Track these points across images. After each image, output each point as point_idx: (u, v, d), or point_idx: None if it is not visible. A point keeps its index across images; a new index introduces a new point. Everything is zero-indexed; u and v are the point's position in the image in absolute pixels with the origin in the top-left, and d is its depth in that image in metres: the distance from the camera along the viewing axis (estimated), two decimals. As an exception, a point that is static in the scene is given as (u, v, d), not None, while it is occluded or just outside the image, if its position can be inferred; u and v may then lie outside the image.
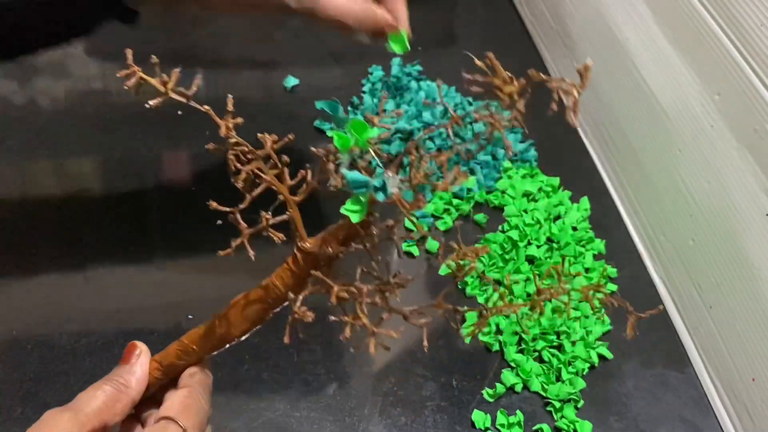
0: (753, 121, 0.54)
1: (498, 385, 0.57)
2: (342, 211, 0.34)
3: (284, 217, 0.37)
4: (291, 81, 0.79)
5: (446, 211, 0.70)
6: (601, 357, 0.60)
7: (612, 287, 0.65)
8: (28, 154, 0.70)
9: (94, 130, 0.73)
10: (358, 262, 0.35)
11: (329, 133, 0.33)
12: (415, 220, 0.35)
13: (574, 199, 0.72)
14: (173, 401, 0.38)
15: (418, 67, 0.82)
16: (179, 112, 0.71)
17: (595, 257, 0.67)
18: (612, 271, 0.66)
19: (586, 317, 0.62)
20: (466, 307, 0.38)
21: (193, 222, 0.63)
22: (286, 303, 0.37)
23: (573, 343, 0.60)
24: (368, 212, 0.35)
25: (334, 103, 0.34)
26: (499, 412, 0.56)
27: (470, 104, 0.79)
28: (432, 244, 0.66)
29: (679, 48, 0.62)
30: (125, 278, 0.61)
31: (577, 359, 0.59)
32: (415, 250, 0.66)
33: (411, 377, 0.57)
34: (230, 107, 0.35)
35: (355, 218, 0.34)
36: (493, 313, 0.38)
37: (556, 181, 0.73)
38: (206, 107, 0.34)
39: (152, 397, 0.41)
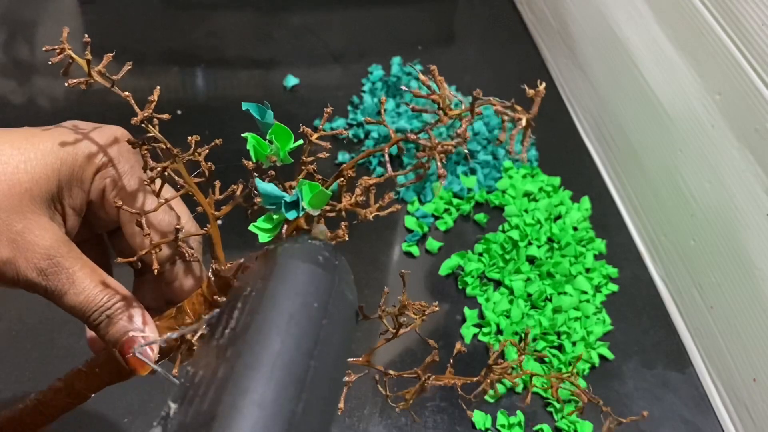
0: (754, 121, 0.54)
1: (498, 385, 0.57)
2: (250, 228, 0.30)
3: (202, 232, 0.33)
4: (291, 80, 0.79)
5: (446, 211, 0.69)
6: (601, 357, 0.60)
7: (613, 287, 0.65)
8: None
9: (93, 129, 0.73)
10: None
11: (244, 135, 0.30)
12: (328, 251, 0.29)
13: (575, 198, 0.72)
14: None
15: (419, 66, 0.81)
16: (178, 112, 0.71)
17: (596, 257, 0.67)
18: (613, 271, 0.66)
19: (587, 317, 0.62)
20: (393, 372, 0.35)
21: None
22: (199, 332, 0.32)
23: (574, 344, 0.60)
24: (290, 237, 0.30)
25: (262, 108, 0.30)
26: (499, 413, 0.55)
27: (470, 104, 0.79)
28: (432, 244, 0.66)
29: (680, 47, 0.62)
30: (125, 277, 0.61)
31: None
32: (415, 250, 0.66)
33: (411, 377, 0.57)
34: (155, 97, 0.31)
35: (263, 237, 0.30)
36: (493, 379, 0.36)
37: (556, 180, 0.72)
38: (127, 93, 0.31)
39: None
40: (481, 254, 0.66)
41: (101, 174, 0.33)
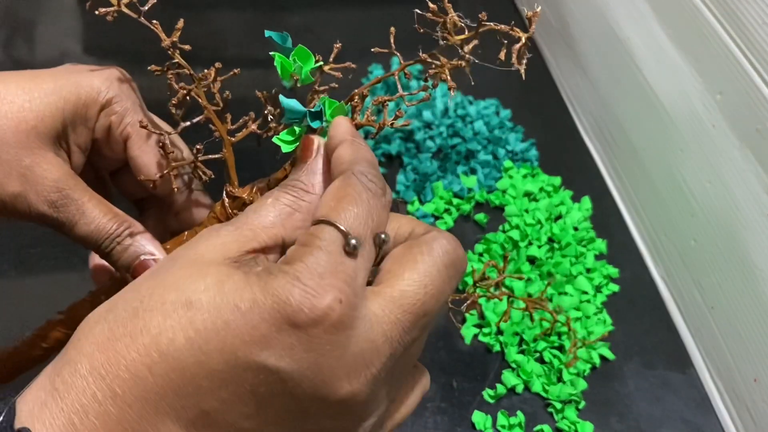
0: (755, 121, 0.53)
1: (499, 386, 0.57)
2: (274, 140, 0.32)
3: (217, 155, 0.35)
4: (291, 80, 0.79)
5: (446, 211, 0.69)
6: (602, 358, 0.60)
7: (613, 287, 0.65)
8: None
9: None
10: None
11: (272, 53, 0.32)
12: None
13: (576, 198, 0.72)
14: (326, 196, 0.29)
15: (419, 66, 0.81)
16: (178, 111, 0.71)
17: (597, 257, 0.67)
18: (613, 271, 0.66)
19: (588, 318, 0.62)
20: None
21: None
22: None
23: (575, 344, 0.60)
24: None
25: (284, 35, 0.32)
26: (499, 413, 0.55)
27: (471, 103, 0.78)
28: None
29: (681, 47, 0.62)
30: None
31: (579, 360, 0.59)
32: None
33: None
34: (180, 25, 0.34)
35: (286, 149, 0.32)
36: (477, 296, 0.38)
37: (557, 180, 0.72)
38: (155, 22, 0.34)
39: None
40: (481, 254, 0.66)
41: (106, 112, 0.35)
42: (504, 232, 0.68)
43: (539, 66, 0.88)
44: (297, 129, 0.32)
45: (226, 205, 0.34)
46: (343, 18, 0.90)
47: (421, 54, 0.32)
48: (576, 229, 0.69)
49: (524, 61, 0.30)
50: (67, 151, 0.35)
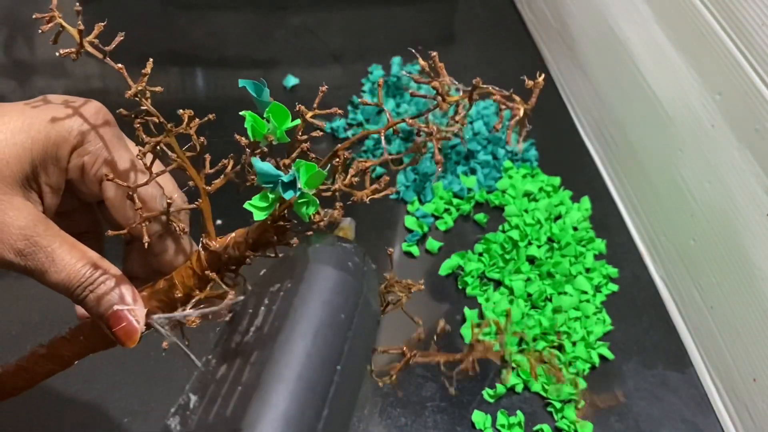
0: (754, 121, 0.54)
1: (498, 385, 0.57)
2: (245, 206, 0.30)
3: (192, 206, 0.33)
4: (291, 80, 0.79)
5: (446, 211, 0.69)
6: (601, 357, 0.60)
7: (613, 287, 0.65)
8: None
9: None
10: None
11: (242, 113, 0.30)
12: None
13: (575, 198, 0.72)
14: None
15: (418, 67, 0.81)
16: (179, 111, 0.71)
17: (596, 257, 0.67)
18: (613, 271, 0.66)
19: (587, 317, 0.62)
20: (380, 348, 0.36)
21: (192, 222, 0.63)
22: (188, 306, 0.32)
23: (574, 344, 0.60)
24: (281, 215, 0.30)
25: (259, 85, 0.30)
26: (499, 413, 0.55)
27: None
28: (432, 244, 0.66)
29: (681, 47, 0.62)
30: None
31: (578, 359, 0.59)
32: (415, 250, 0.66)
33: (411, 377, 0.57)
34: (148, 70, 0.31)
35: (258, 216, 0.30)
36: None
37: (556, 180, 0.72)
38: (120, 66, 0.31)
39: None
40: (481, 254, 0.66)
41: (78, 151, 0.33)
42: (504, 232, 0.68)
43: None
44: (270, 195, 0.30)
45: (202, 258, 0.33)
46: (343, 18, 0.90)
47: (407, 118, 0.30)
48: (575, 229, 0.69)
49: (522, 137, 0.28)
50: (38, 192, 0.33)
